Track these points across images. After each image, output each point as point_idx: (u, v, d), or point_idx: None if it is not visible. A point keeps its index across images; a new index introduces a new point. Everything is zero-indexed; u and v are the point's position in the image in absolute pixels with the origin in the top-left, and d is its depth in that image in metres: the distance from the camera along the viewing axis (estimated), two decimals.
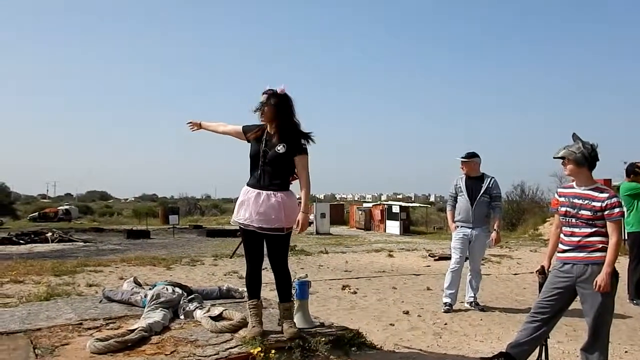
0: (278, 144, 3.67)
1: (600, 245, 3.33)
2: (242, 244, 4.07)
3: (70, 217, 43.02)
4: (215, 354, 3.31)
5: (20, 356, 3.23)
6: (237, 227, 3.79)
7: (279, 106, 3.68)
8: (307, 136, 3.78)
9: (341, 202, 48.63)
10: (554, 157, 3.50)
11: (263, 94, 3.71)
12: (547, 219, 21.52)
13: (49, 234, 19.94)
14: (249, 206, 3.62)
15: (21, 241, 18.33)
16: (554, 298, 3.45)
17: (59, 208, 45.99)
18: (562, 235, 3.52)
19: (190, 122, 4.16)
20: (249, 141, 3.82)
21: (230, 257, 5.43)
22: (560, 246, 3.52)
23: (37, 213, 43.28)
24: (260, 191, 3.63)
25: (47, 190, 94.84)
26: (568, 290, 3.43)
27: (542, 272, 3.64)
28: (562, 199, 3.53)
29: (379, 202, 34.68)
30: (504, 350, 3.63)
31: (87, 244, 18.70)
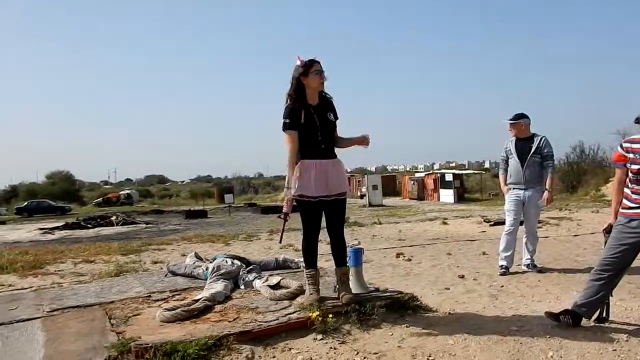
0: (328, 112, 3.79)
1: None
2: (284, 226, 3.97)
3: (131, 201, 45.04)
4: (275, 320, 3.46)
5: (98, 326, 3.50)
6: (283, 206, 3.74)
7: None
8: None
9: (393, 174, 48.21)
10: None
11: (314, 62, 3.68)
12: (610, 179, 20.66)
13: (114, 218, 21.02)
14: (326, 178, 3.68)
15: (89, 225, 19.43)
16: (619, 255, 3.36)
17: (120, 193, 48.16)
18: (629, 192, 3.39)
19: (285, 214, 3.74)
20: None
21: (279, 242, 5.41)
22: (627, 203, 3.37)
23: (101, 198, 45.59)
24: (331, 161, 3.75)
25: (109, 177, 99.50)
26: (634, 246, 3.33)
27: (609, 231, 3.55)
28: (631, 155, 3.37)
29: (431, 172, 34.26)
30: (569, 308, 3.60)
31: (149, 225, 19.56)
